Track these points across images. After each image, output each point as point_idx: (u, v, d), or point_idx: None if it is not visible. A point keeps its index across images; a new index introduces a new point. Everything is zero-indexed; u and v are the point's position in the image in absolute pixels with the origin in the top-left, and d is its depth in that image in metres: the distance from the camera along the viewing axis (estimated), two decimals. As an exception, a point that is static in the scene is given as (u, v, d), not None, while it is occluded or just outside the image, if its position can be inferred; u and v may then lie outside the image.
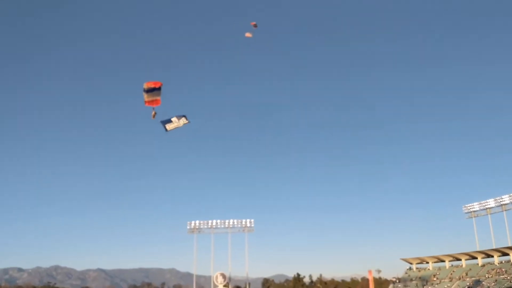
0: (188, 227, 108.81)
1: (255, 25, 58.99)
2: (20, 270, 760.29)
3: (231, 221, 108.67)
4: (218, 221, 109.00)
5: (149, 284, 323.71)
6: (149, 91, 44.65)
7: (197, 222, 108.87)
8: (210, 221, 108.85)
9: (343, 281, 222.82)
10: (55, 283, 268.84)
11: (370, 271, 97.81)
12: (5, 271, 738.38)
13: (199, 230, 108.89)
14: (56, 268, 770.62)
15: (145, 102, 44.82)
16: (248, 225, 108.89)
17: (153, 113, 45.37)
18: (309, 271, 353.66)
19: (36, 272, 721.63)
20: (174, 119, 45.99)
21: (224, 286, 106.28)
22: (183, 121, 45.64)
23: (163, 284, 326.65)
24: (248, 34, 59.78)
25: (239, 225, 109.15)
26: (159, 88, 44.69)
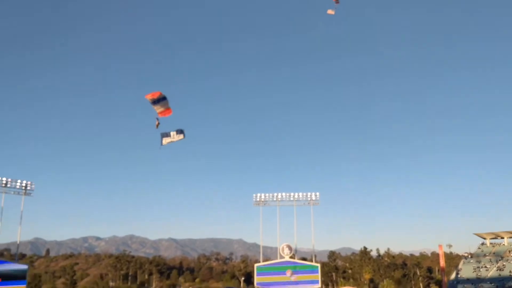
0: (254, 200, 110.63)
1: (337, 1, 57.43)
2: (98, 239, 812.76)
3: (297, 194, 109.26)
4: (284, 194, 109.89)
5: (217, 254, 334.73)
6: (155, 102, 46.50)
7: (263, 195, 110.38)
8: (275, 194, 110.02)
9: (411, 255, 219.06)
10: (130, 251, 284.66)
11: (440, 246, 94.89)
12: (85, 239, 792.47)
13: (264, 202, 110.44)
14: (131, 237, 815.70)
15: (158, 113, 46.88)
16: (314, 198, 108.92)
17: (156, 123, 47.62)
18: (376, 245, 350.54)
19: (113, 241, 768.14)
20: (172, 133, 47.94)
21: (290, 257, 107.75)
22: (178, 136, 47.59)
23: (231, 253, 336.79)
24: (330, 11, 58.47)
25: (305, 198, 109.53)
26: (164, 98, 46.57)
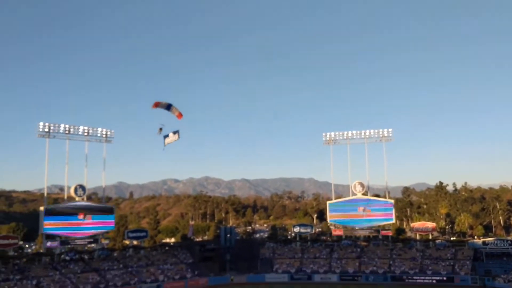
0: (324, 139, 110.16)
1: None
2: (176, 181, 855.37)
3: (368, 131, 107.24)
4: (354, 132, 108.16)
5: (289, 192, 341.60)
6: (167, 108, 55.37)
7: (333, 133, 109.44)
8: (345, 132, 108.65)
9: (491, 188, 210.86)
10: (206, 192, 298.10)
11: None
12: (164, 182, 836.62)
13: (334, 141, 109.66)
14: (207, 178, 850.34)
15: (178, 116, 55.34)
16: (386, 134, 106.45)
17: (159, 129, 55.71)
18: (453, 179, 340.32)
19: (190, 182, 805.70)
20: (170, 134, 55.20)
21: (363, 194, 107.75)
22: (175, 137, 54.84)
23: (303, 192, 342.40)
24: None
25: (376, 135, 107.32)
26: (170, 105, 55.10)
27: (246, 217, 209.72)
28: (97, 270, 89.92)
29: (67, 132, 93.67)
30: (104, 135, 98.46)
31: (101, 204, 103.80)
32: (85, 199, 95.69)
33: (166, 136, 55.90)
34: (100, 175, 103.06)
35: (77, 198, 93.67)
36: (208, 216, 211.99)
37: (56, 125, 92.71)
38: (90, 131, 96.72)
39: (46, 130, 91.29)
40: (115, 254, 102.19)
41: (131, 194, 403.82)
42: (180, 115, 58.66)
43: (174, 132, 55.58)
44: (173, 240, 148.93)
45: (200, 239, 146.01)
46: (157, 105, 58.47)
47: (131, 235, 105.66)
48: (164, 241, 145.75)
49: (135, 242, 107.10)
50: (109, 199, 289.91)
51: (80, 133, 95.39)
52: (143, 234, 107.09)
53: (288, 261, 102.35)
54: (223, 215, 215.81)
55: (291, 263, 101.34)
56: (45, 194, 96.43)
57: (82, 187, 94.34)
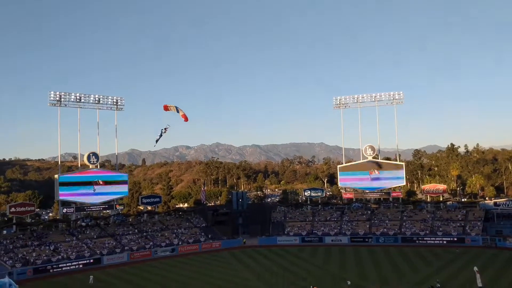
0: (334, 103, 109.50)
1: None
2: (187, 147, 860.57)
3: (379, 94, 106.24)
4: (365, 95, 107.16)
5: (300, 157, 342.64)
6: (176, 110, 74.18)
7: (343, 97, 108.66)
8: (356, 96, 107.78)
9: (503, 150, 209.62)
10: (217, 158, 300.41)
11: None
12: (176, 149, 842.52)
13: (345, 105, 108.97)
14: (218, 145, 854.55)
15: (184, 118, 74.46)
16: (397, 97, 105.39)
17: (164, 129, 73.41)
18: (464, 141, 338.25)
19: (201, 149, 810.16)
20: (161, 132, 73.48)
21: (373, 157, 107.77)
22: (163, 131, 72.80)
23: (313, 157, 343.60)
24: None
25: (387, 98, 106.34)
26: (177, 109, 74.17)
27: (257, 182, 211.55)
28: (112, 235, 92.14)
29: (78, 100, 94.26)
30: (114, 103, 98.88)
31: (114, 171, 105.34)
32: (98, 166, 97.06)
33: (158, 137, 73.30)
34: (113, 143, 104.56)
35: (90, 166, 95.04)
36: (220, 182, 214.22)
37: (67, 94, 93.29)
38: (101, 99, 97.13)
39: (57, 98, 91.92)
40: (130, 220, 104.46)
41: (144, 161, 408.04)
42: (185, 117, 73.83)
43: (163, 129, 72.81)
44: (186, 205, 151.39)
45: (212, 204, 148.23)
46: (167, 108, 72.89)
47: (145, 200, 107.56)
48: (177, 206, 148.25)
49: (149, 208, 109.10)
50: (122, 166, 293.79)
51: (91, 101, 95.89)
52: (156, 199, 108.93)
53: (299, 224, 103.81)
54: (235, 180, 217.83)
55: (302, 226, 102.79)
56: (59, 163, 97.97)
57: (95, 154, 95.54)
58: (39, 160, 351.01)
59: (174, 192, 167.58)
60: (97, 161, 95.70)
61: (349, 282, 60.24)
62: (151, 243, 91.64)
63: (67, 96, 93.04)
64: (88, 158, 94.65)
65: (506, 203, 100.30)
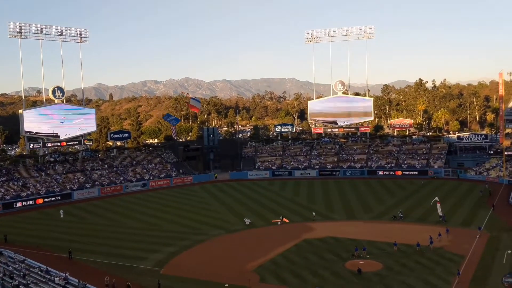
0: (306, 37, 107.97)
1: None
2: (156, 82, 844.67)
3: (350, 28, 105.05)
4: (336, 29, 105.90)
5: (271, 93, 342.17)
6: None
7: (315, 31, 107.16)
8: (328, 29, 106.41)
9: (469, 85, 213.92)
10: (187, 93, 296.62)
11: (500, 74, 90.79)
12: (144, 83, 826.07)
13: (317, 39, 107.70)
14: (187, 80, 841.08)
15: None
16: (368, 31, 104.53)
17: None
18: (432, 76, 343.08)
19: (170, 84, 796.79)
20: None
21: (343, 93, 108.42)
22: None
23: (284, 92, 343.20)
24: None
25: (358, 32, 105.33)
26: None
27: (228, 118, 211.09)
28: (82, 171, 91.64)
29: (39, 32, 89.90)
30: (78, 35, 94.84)
31: (81, 106, 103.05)
32: (64, 101, 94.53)
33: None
34: (78, 77, 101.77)
35: (56, 101, 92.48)
36: (190, 118, 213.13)
37: (28, 25, 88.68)
38: (64, 31, 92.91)
39: (18, 30, 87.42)
40: (99, 155, 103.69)
41: (111, 96, 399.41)
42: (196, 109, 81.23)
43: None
44: (156, 141, 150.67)
45: (183, 139, 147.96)
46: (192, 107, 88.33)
47: (113, 136, 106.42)
48: (147, 142, 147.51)
49: (118, 143, 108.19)
50: (89, 101, 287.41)
51: (53, 33, 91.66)
52: (125, 135, 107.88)
53: (270, 159, 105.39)
54: (205, 116, 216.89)
55: (273, 161, 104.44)
56: (23, 97, 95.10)
57: (60, 89, 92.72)
58: (1, 95, 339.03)
59: (144, 127, 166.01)
60: (62, 95, 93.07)
61: (314, 214, 62.55)
62: (121, 178, 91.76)
63: (28, 27, 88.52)
64: (53, 92, 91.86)
65: (469, 136, 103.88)
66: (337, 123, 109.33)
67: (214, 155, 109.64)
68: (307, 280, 39.16)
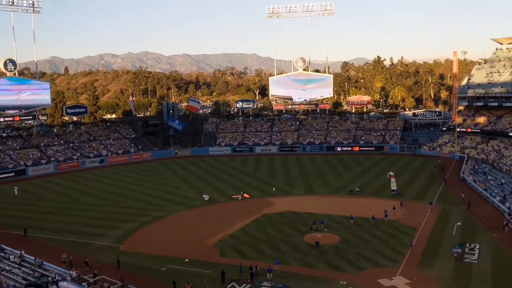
0: (267, 12, 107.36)
1: None
2: (114, 56, 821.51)
3: (311, 4, 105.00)
4: (297, 4, 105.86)
5: (232, 68, 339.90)
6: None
7: (276, 6, 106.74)
8: (289, 5, 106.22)
9: (425, 63, 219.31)
10: (146, 67, 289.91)
11: (455, 52, 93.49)
12: (101, 57, 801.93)
13: (278, 14, 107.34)
14: (146, 53, 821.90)
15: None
16: (329, 8, 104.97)
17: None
18: (390, 54, 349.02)
19: (128, 58, 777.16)
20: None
21: (304, 69, 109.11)
22: None
23: (245, 68, 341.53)
24: None
25: (319, 8, 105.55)
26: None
27: (188, 93, 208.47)
28: (37, 146, 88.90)
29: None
30: (30, 5, 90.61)
31: (35, 79, 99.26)
32: (16, 74, 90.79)
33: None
34: (32, 49, 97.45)
35: (8, 74, 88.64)
36: (149, 93, 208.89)
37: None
38: (15, 1, 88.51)
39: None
40: (55, 130, 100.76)
41: (66, 69, 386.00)
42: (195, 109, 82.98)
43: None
44: (114, 116, 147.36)
45: (142, 115, 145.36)
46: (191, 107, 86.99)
47: (69, 111, 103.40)
48: (104, 117, 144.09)
49: (74, 118, 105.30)
50: (43, 74, 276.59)
51: (3, 2, 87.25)
52: (82, 110, 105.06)
53: (230, 135, 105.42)
54: (165, 91, 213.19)
55: (234, 137, 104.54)
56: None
57: (12, 61, 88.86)
58: None
59: (101, 102, 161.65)
60: (14, 68, 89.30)
61: (274, 189, 63.46)
62: (78, 154, 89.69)
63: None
64: (5, 65, 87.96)
65: (423, 113, 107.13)
66: (292, 99, 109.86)
67: (174, 130, 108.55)
68: (267, 253, 39.92)
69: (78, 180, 75.14)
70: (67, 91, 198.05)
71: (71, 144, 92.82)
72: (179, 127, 62.40)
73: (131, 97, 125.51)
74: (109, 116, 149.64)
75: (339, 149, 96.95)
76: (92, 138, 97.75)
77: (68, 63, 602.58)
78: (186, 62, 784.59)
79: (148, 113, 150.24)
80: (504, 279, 33.91)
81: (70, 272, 32.58)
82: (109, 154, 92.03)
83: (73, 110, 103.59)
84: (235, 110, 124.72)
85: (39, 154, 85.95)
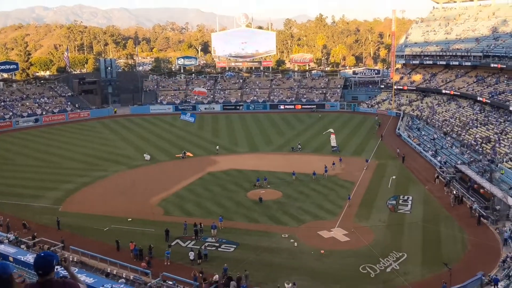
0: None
1: None
2: (46, 8, 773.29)
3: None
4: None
5: (173, 23, 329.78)
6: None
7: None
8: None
9: (365, 21, 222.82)
10: (81, 21, 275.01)
11: (394, 11, 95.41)
12: (32, 10, 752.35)
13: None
14: (81, 7, 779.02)
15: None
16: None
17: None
18: (332, 12, 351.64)
19: (62, 11, 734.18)
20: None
21: (247, 26, 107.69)
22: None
23: (187, 23, 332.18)
24: None
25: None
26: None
27: (127, 49, 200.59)
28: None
29: None
30: None
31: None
32: None
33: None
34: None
35: None
36: (85, 48, 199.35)
37: None
38: None
39: None
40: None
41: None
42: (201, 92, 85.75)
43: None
44: (48, 73, 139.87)
45: (78, 72, 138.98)
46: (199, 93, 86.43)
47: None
48: (37, 74, 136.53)
49: (5, 75, 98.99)
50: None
51: None
52: (13, 66, 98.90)
53: (172, 93, 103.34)
54: (102, 47, 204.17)
55: (176, 95, 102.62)
56: None
57: None
58: None
59: (33, 58, 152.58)
60: None
61: (217, 147, 63.52)
62: (10, 113, 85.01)
63: None
64: None
65: (363, 71, 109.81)
66: (234, 56, 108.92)
67: (112, 88, 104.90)
68: (211, 210, 40.38)
69: (11, 141, 71.53)
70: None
71: (2, 103, 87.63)
72: (191, 120, 59.46)
73: (65, 53, 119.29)
74: (42, 73, 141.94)
75: (282, 107, 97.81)
76: (25, 96, 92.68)
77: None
78: (125, 17, 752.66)
79: (85, 70, 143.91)
80: (433, 228, 36.39)
81: (7, 235, 31.56)
82: (44, 113, 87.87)
83: (3, 67, 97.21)
84: (177, 67, 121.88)
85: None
